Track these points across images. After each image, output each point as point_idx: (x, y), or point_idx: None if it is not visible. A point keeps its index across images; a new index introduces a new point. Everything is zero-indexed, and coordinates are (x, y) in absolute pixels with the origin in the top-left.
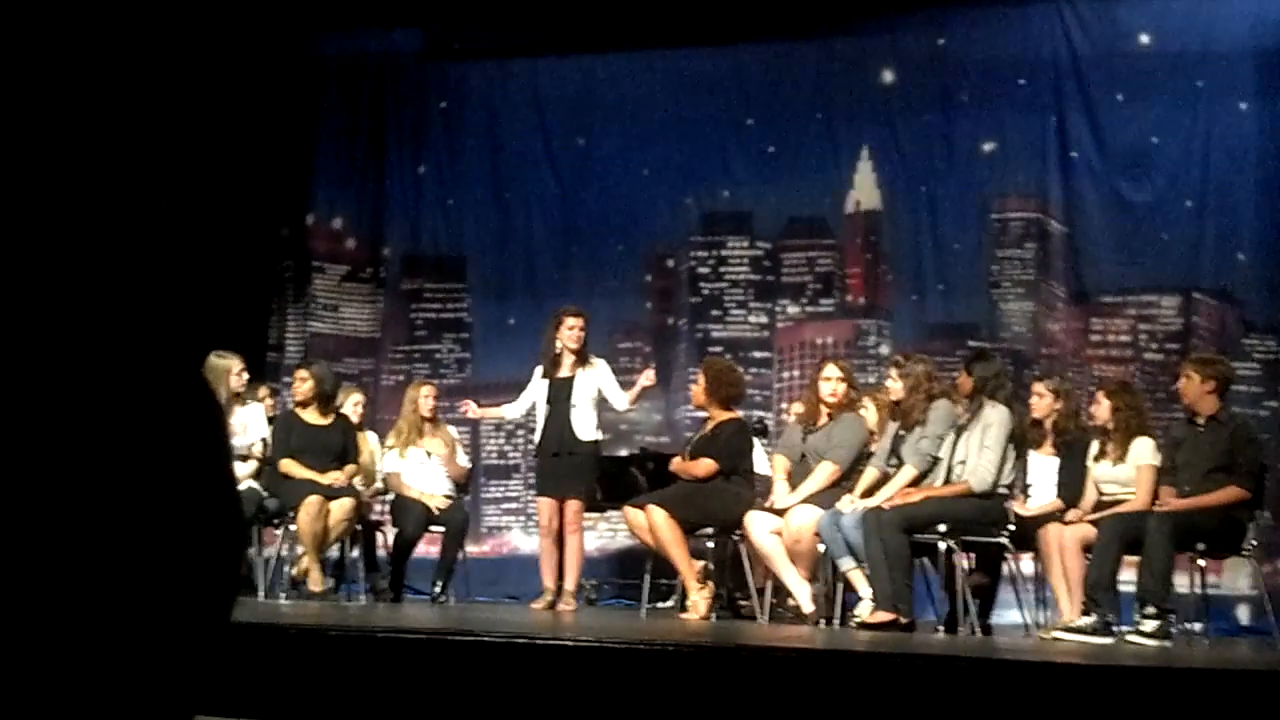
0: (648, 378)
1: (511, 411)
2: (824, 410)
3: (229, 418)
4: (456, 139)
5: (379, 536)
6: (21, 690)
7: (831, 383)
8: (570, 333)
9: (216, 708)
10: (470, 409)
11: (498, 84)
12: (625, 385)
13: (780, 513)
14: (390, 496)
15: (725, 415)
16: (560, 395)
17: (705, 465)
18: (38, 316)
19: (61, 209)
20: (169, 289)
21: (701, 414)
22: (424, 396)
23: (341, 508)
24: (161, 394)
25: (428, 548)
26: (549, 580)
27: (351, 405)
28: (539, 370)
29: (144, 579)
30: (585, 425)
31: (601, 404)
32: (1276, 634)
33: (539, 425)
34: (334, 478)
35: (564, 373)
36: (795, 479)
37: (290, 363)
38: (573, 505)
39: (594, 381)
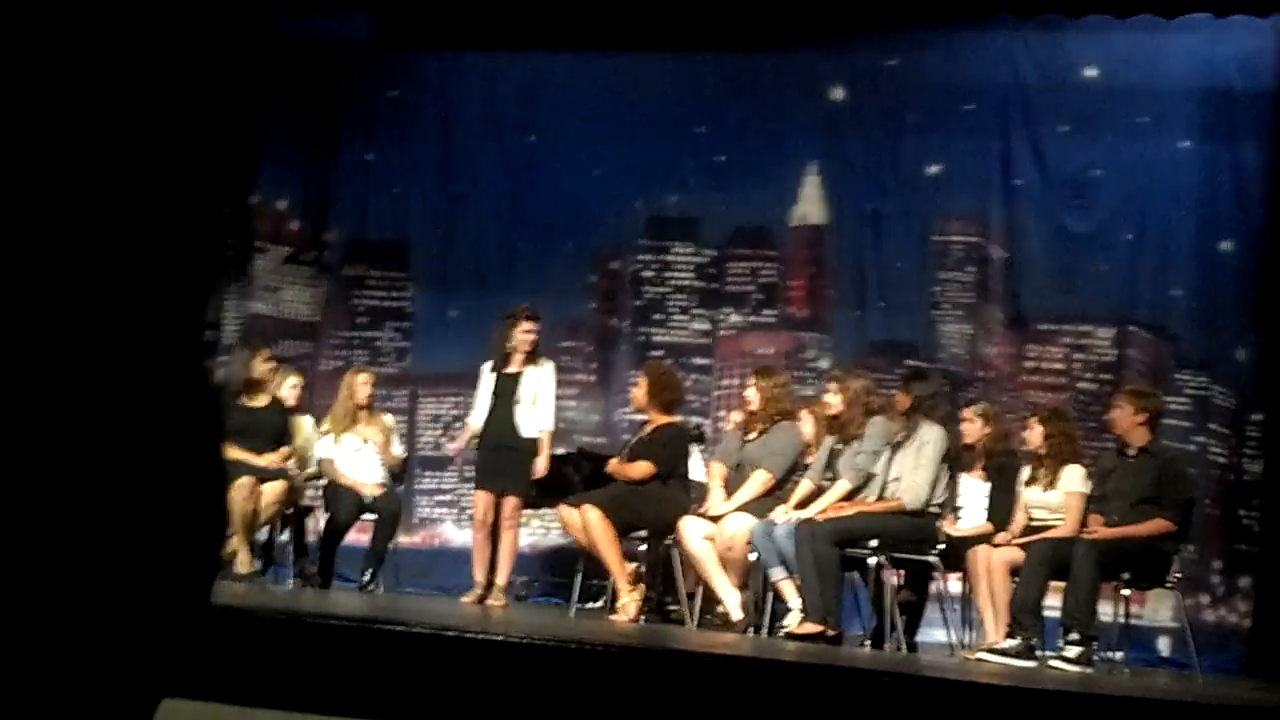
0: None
1: (477, 420)
2: (759, 419)
3: None
4: (406, 128)
5: (309, 522)
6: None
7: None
8: (526, 336)
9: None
10: (452, 450)
11: (451, 75)
12: (565, 385)
13: (715, 519)
14: (323, 482)
15: (664, 419)
16: (506, 390)
17: (641, 468)
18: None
19: (35, 196)
20: (156, 271)
21: (640, 417)
22: (360, 384)
23: (273, 490)
24: (160, 382)
25: (358, 536)
26: (479, 574)
27: (289, 388)
28: (487, 366)
29: (131, 559)
30: (527, 421)
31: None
32: (1195, 666)
33: (481, 417)
34: (269, 460)
35: (512, 368)
36: (731, 486)
37: (228, 342)
38: (510, 501)
39: (537, 382)
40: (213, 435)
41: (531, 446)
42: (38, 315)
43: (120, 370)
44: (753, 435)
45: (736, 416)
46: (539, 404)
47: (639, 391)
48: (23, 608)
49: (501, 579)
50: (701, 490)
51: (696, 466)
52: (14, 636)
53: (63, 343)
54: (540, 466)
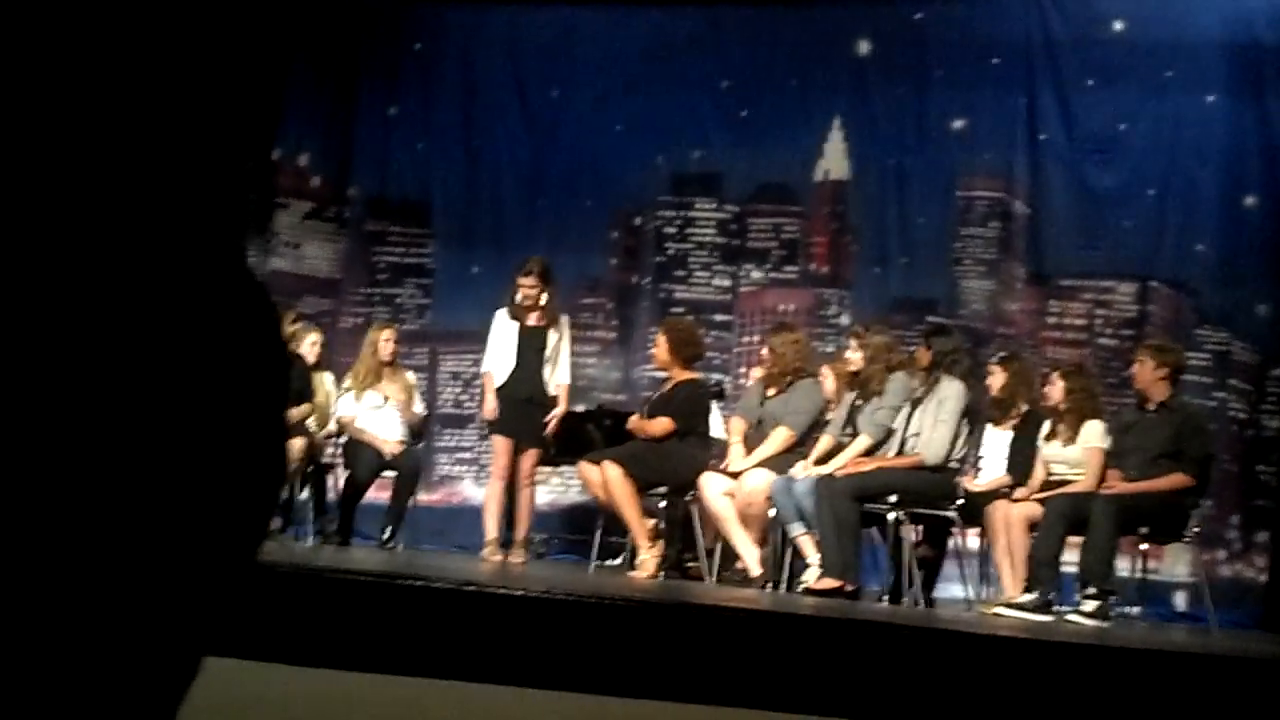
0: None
1: (490, 366)
2: (779, 376)
3: None
4: (430, 83)
5: (330, 479)
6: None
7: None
8: (520, 291)
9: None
10: (487, 412)
11: (474, 30)
12: (585, 341)
13: (734, 475)
14: (343, 439)
15: (685, 375)
16: (532, 345)
17: (661, 424)
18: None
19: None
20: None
21: (660, 374)
22: (384, 340)
23: (292, 447)
24: (226, 342)
25: (378, 493)
26: (492, 528)
27: (309, 345)
28: (501, 314)
29: (187, 518)
30: (551, 380)
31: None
32: (1211, 621)
33: (506, 369)
34: (289, 417)
35: (533, 323)
36: (752, 443)
37: None
38: (529, 455)
39: (557, 337)
40: (279, 395)
41: (554, 402)
42: (75, 279)
43: (177, 332)
44: (773, 392)
45: (758, 372)
46: (561, 358)
47: (659, 349)
48: (70, 568)
49: (520, 534)
50: (722, 447)
51: (716, 423)
52: (63, 594)
53: (112, 305)
54: (554, 416)
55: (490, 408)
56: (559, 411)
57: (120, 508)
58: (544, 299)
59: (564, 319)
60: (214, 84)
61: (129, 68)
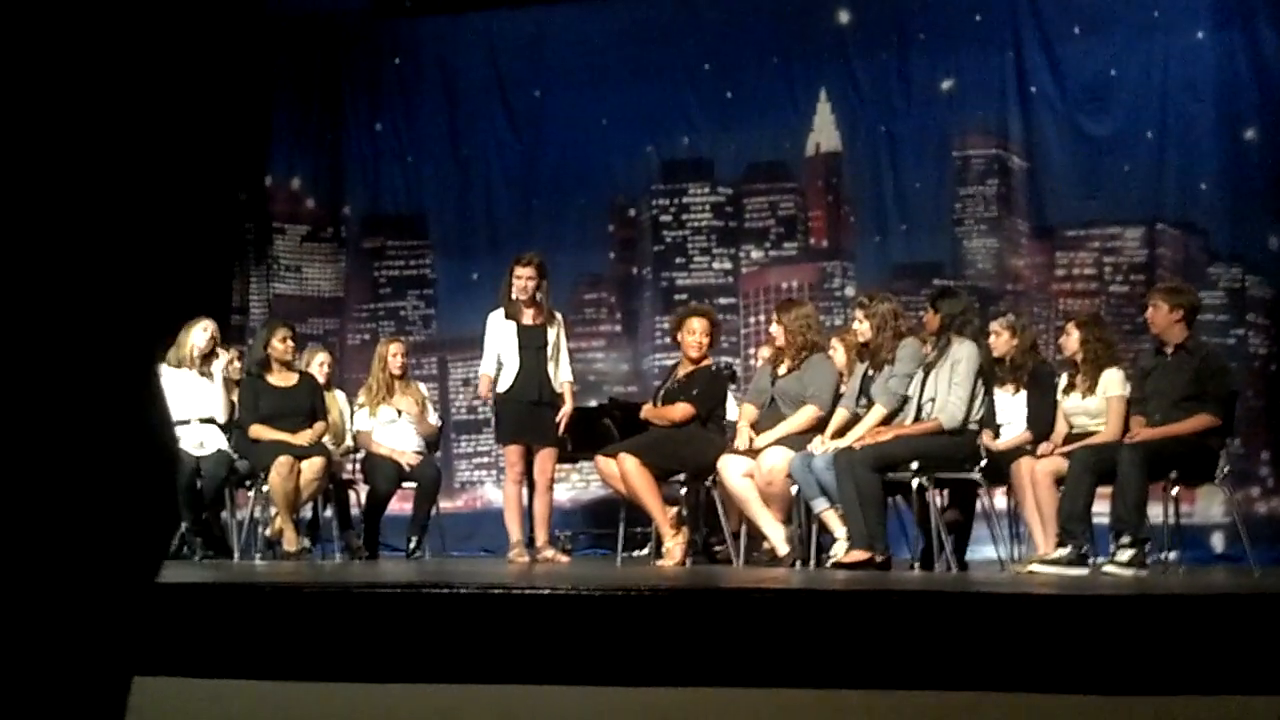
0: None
1: (488, 366)
2: (788, 354)
3: (196, 379)
4: (412, 95)
5: (351, 495)
6: None
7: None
8: (518, 282)
9: (194, 668)
10: (483, 394)
11: (451, 38)
12: (592, 336)
13: (754, 454)
14: (361, 455)
15: (700, 362)
16: (533, 343)
17: (682, 410)
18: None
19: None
20: (132, 261)
21: (671, 362)
22: (392, 354)
23: (312, 467)
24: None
25: (401, 505)
26: (516, 530)
27: (317, 365)
28: (495, 315)
29: (77, 543)
30: (554, 377)
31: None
32: (1250, 560)
33: (510, 371)
34: (305, 437)
35: (529, 321)
36: (763, 423)
37: (254, 325)
38: (550, 456)
39: (555, 334)
40: (152, 426)
41: (560, 400)
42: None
43: (78, 362)
44: (784, 369)
45: (765, 353)
46: (561, 355)
47: (703, 337)
48: None
49: (541, 536)
50: (734, 430)
51: (730, 407)
52: None
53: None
54: (564, 415)
55: (484, 394)
56: (567, 410)
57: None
58: (539, 294)
59: (559, 316)
60: (199, 121)
61: (115, 107)
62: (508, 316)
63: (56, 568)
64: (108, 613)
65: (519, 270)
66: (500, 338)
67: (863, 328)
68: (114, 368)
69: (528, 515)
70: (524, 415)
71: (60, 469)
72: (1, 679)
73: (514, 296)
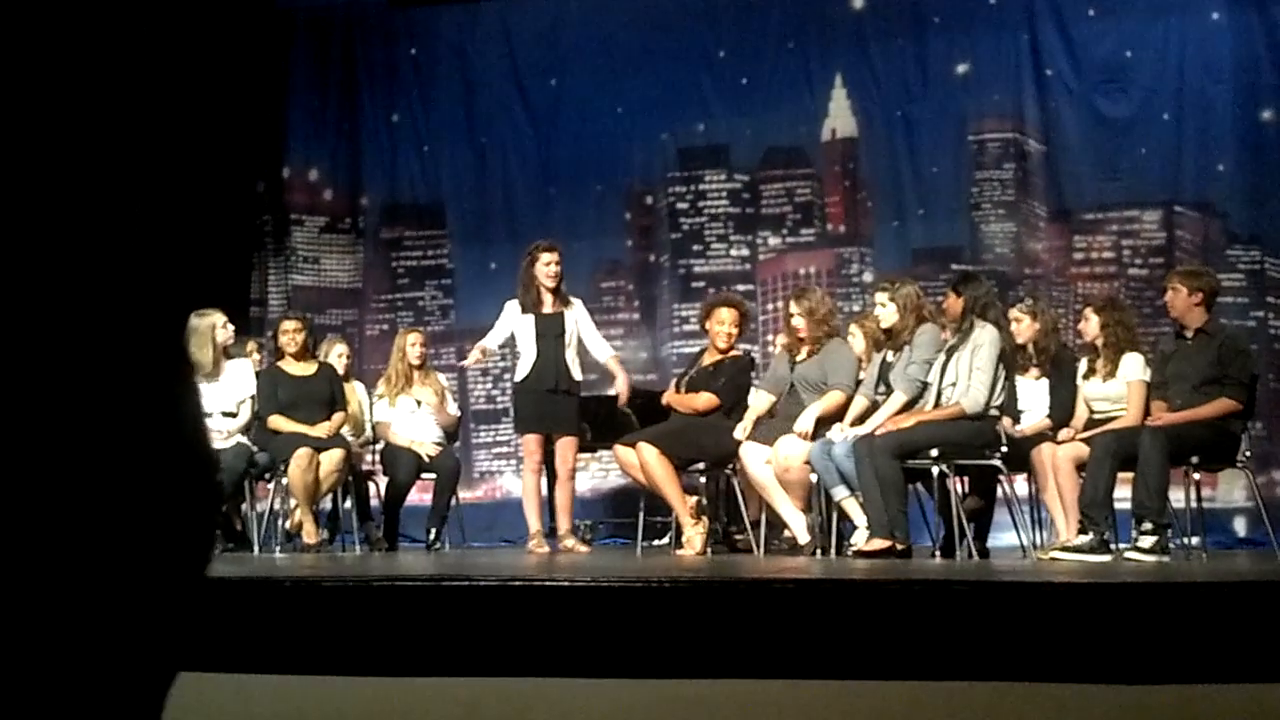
0: (622, 387)
1: (492, 342)
2: (806, 340)
3: (217, 374)
4: (429, 85)
5: (371, 486)
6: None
7: (726, 325)
8: (547, 269)
9: (215, 663)
10: (474, 355)
11: (467, 28)
12: (610, 325)
13: (800, 435)
14: (380, 446)
15: (726, 352)
16: (550, 331)
17: (706, 399)
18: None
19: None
20: (146, 253)
21: (689, 350)
22: (411, 345)
23: (332, 459)
24: (129, 359)
25: (420, 496)
26: (535, 521)
27: (336, 356)
28: (512, 305)
29: (119, 544)
30: (576, 364)
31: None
32: (1274, 544)
33: (527, 361)
34: (324, 428)
35: (548, 309)
36: (784, 410)
37: (273, 316)
38: (570, 445)
39: (577, 321)
40: (188, 416)
41: (579, 388)
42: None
43: (101, 360)
44: (802, 356)
45: (781, 340)
46: (590, 339)
47: (732, 328)
48: (19, 602)
49: (564, 525)
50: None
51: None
52: (14, 630)
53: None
54: (623, 388)
55: (471, 361)
56: (623, 384)
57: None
58: (561, 281)
59: (575, 301)
60: (216, 115)
61: (129, 104)
62: (525, 309)
63: (94, 566)
64: (146, 614)
65: (546, 256)
66: (516, 326)
67: (886, 311)
68: (139, 362)
69: (547, 505)
70: (542, 404)
71: (87, 467)
72: (40, 683)
73: (539, 284)
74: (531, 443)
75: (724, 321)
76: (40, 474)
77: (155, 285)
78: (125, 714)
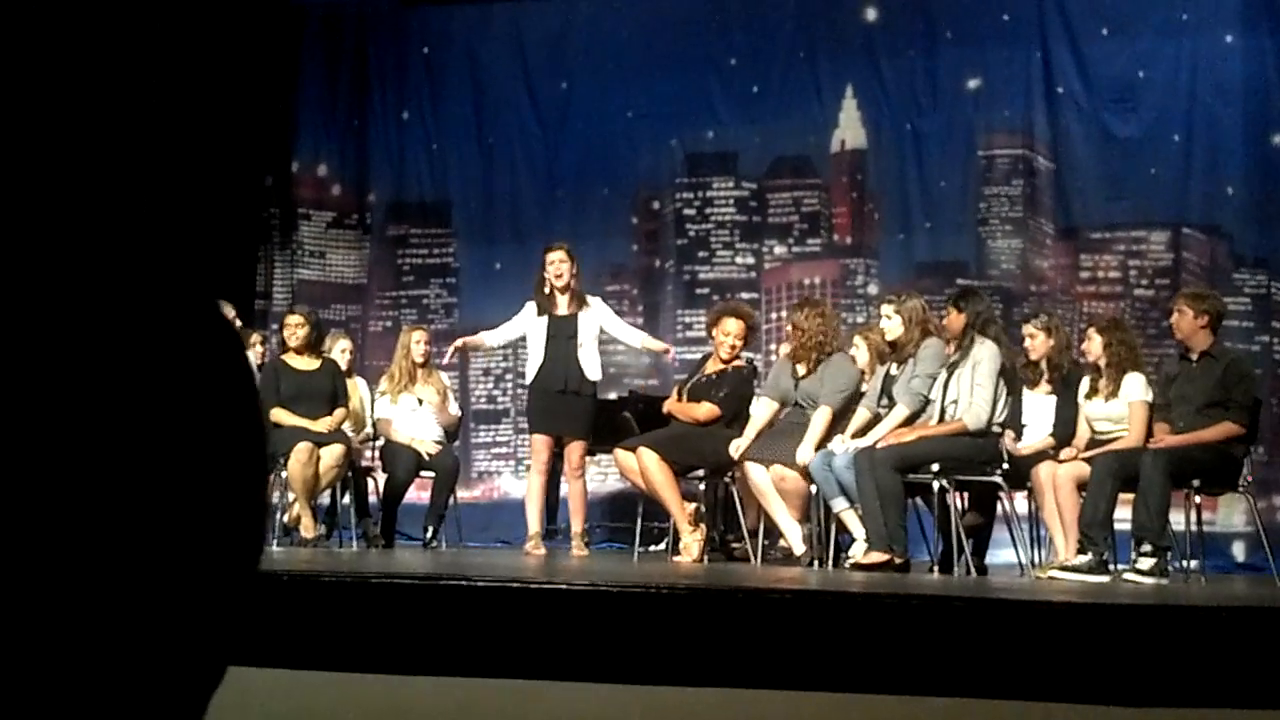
0: (667, 348)
1: (493, 339)
2: (808, 352)
3: None
4: (439, 84)
5: (370, 483)
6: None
7: (730, 337)
8: (551, 268)
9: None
10: (453, 348)
11: (479, 28)
12: None
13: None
14: (380, 442)
15: (730, 362)
16: (563, 333)
17: (707, 410)
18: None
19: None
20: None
21: (692, 356)
22: (415, 342)
23: (332, 454)
24: (180, 342)
25: (418, 494)
26: (535, 522)
27: (339, 352)
28: (531, 306)
29: (170, 532)
30: (592, 365)
31: (604, 344)
32: (1272, 570)
33: (535, 362)
34: (325, 423)
35: (562, 310)
36: (784, 424)
37: (279, 310)
38: (577, 447)
39: (596, 321)
40: (247, 399)
41: (594, 390)
42: (65, 298)
43: (151, 346)
44: (803, 370)
45: (785, 349)
46: (618, 332)
47: (738, 338)
48: (66, 595)
49: (577, 526)
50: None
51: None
52: (62, 623)
53: (93, 325)
54: (664, 347)
55: (454, 346)
56: (661, 346)
57: (95, 513)
58: (572, 280)
59: (593, 299)
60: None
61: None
62: (540, 310)
63: (149, 558)
64: (193, 606)
65: (550, 256)
66: (530, 327)
67: (891, 323)
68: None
69: (549, 509)
70: (552, 405)
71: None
72: (88, 678)
73: (549, 285)
74: (539, 442)
75: (729, 332)
76: (84, 466)
77: (168, 271)
78: (168, 711)
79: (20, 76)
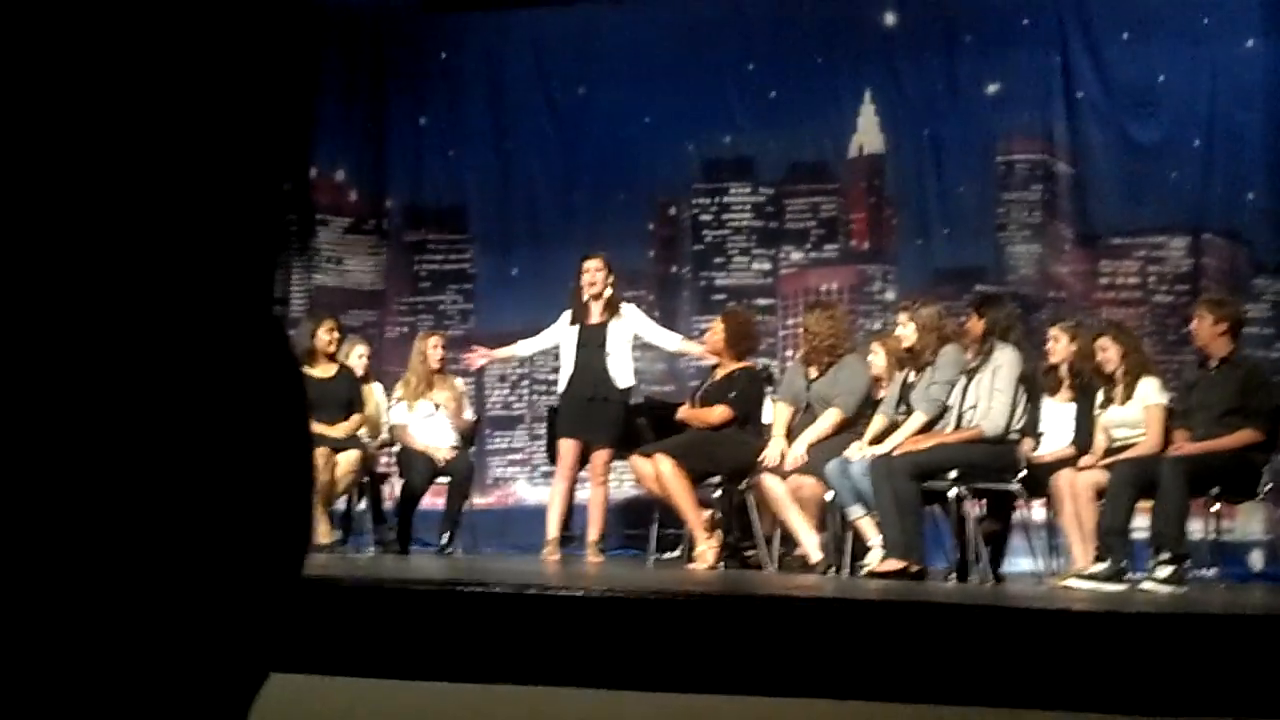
0: (704, 351)
1: (525, 349)
2: (820, 355)
3: None
4: (457, 90)
5: (385, 489)
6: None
7: (711, 334)
8: (585, 278)
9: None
10: (478, 354)
11: (497, 34)
12: None
13: (784, 474)
14: (396, 448)
15: (738, 364)
16: (592, 341)
17: (720, 413)
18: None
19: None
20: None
21: (707, 362)
22: (432, 348)
23: (348, 460)
24: (240, 360)
25: (434, 500)
26: (554, 528)
27: (356, 357)
28: (566, 316)
29: (224, 537)
30: (622, 372)
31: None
32: None
33: (566, 371)
34: (341, 429)
35: (594, 319)
36: (799, 428)
37: (295, 315)
38: (601, 455)
39: (629, 328)
40: (297, 409)
41: (624, 397)
42: (107, 299)
43: (197, 349)
44: (815, 373)
45: (799, 353)
46: (654, 337)
47: (715, 336)
48: (120, 594)
49: (594, 534)
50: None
51: (767, 409)
52: (112, 622)
53: (136, 325)
54: (698, 349)
55: (477, 355)
56: (693, 347)
57: (136, 517)
58: (608, 290)
59: (627, 307)
60: (245, 111)
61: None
62: (574, 319)
63: (200, 565)
64: (252, 609)
65: (585, 265)
66: (563, 337)
67: (907, 330)
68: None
69: (568, 515)
70: (582, 411)
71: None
72: (134, 681)
73: (583, 295)
74: (565, 447)
75: (714, 331)
76: (130, 465)
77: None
78: (210, 713)
79: (38, 77)
